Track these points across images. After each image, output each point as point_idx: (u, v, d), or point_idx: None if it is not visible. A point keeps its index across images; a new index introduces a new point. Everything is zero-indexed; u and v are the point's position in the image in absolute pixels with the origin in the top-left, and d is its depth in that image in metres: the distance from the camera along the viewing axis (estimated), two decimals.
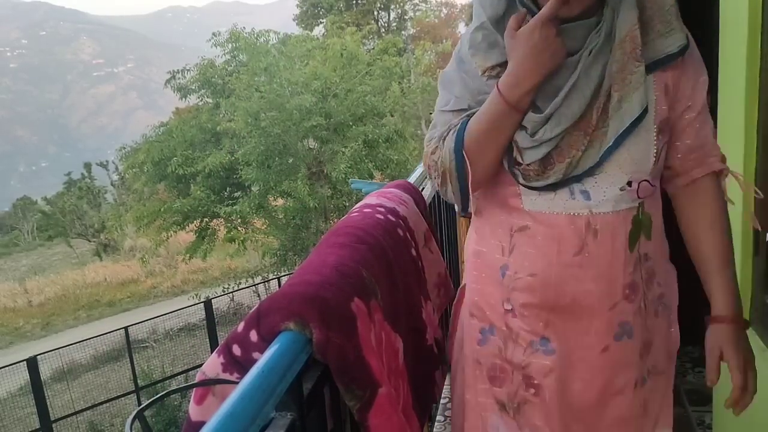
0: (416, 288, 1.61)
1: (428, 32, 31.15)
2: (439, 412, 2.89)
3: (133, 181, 19.51)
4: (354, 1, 30.14)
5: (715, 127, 2.13)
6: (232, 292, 16.30)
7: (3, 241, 35.96)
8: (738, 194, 1.93)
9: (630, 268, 1.30)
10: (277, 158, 14.63)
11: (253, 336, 1.00)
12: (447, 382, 3.17)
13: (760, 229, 1.52)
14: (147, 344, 14.77)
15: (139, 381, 11.92)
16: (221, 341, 1.07)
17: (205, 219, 16.10)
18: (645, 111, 1.22)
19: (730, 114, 2.03)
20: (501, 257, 1.36)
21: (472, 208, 1.42)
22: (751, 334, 1.90)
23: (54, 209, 29.82)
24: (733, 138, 1.99)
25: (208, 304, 13.15)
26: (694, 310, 2.37)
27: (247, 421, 0.77)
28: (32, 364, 10.32)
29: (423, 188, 2.51)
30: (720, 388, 2.23)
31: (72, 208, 27.86)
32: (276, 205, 15.89)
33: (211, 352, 1.04)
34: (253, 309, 1.03)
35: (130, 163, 16.49)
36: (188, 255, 16.98)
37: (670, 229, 1.43)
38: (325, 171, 14.98)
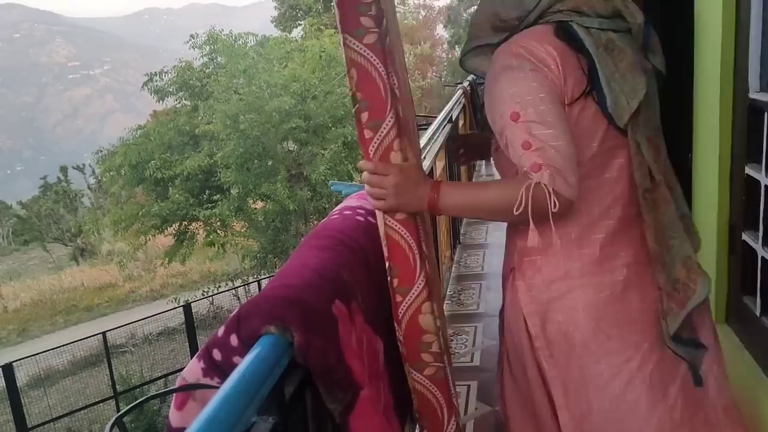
0: None
1: (406, 34, 31.22)
2: None
3: (110, 184, 19.31)
4: (332, 3, 30.09)
5: (691, 124, 2.16)
6: (211, 296, 16.20)
7: None
8: (714, 195, 1.96)
9: None
10: (256, 161, 14.57)
11: (234, 340, 0.99)
12: None
13: None
14: (125, 349, 14.63)
15: (117, 386, 11.80)
16: (201, 346, 1.06)
17: (184, 222, 16.00)
18: None
19: (705, 109, 2.06)
20: None
21: None
22: (728, 332, 1.93)
23: (30, 213, 29.47)
24: (709, 135, 2.01)
25: (187, 308, 13.05)
26: None
27: (228, 425, 0.77)
28: (8, 370, 10.17)
29: None
30: None
31: (48, 212, 27.55)
32: (255, 208, 15.83)
33: (191, 357, 1.03)
34: (233, 313, 1.03)
35: (107, 167, 16.34)
36: (167, 259, 16.87)
37: None
38: (305, 173, 14.95)
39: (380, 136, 1.28)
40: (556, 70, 1.31)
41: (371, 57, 1.25)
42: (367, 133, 1.28)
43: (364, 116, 1.28)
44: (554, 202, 1.22)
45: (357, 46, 1.25)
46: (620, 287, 1.40)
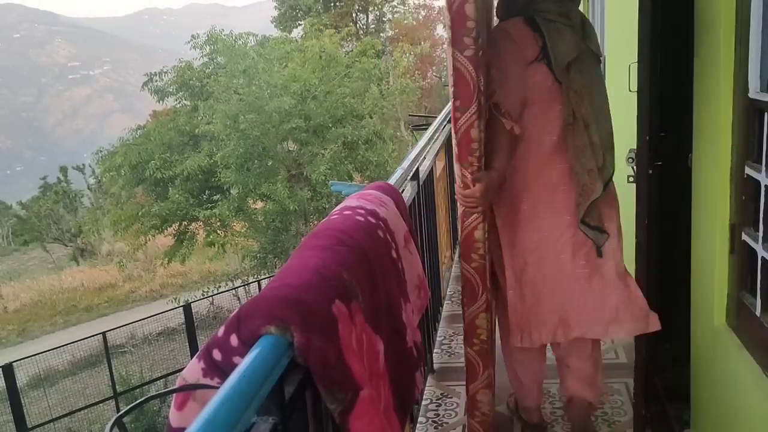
0: (396, 290, 1.61)
1: (406, 34, 31.22)
2: (420, 413, 2.89)
3: (110, 184, 19.31)
4: (332, 4, 30.10)
5: (691, 121, 2.16)
6: (211, 296, 16.18)
7: None
8: (714, 195, 1.95)
9: None
10: (256, 161, 14.56)
11: (234, 340, 0.99)
12: (429, 383, 3.18)
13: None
14: (125, 349, 14.63)
15: (117, 387, 11.80)
16: (201, 346, 1.06)
17: (184, 222, 15.99)
18: None
19: (705, 109, 2.05)
20: None
21: None
22: (728, 332, 1.93)
23: (29, 214, 29.46)
24: (709, 135, 2.01)
25: (187, 308, 13.05)
26: (671, 309, 2.40)
27: (228, 426, 0.77)
28: (8, 371, 10.17)
29: (403, 190, 2.52)
30: (698, 385, 2.26)
31: (48, 212, 27.53)
32: (255, 208, 15.81)
33: (191, 357, 1.03)
34: (233, 313, 1.03)
35: (107, 167, 16.33)
36: (167, 259, 16.86)
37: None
38: (305, 173, 14.94)
39: (466, 117, 1.98)
40: (518, 47, 2.18)
41: (467, 65, 1.92)
42: (457, 115, 1.99)
43: (457, 103, 1.97)
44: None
45: (459, 58, 1.91)
46: (553, 182, 2.25)
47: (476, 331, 2.23)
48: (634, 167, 2.37)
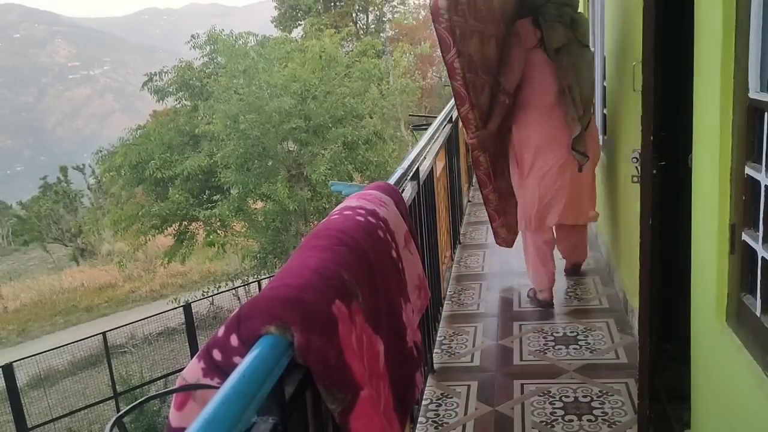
0: (396, 290, 1.61)
1: (406, 34, 31.21)
2: (421, 413, 2.89)
3: (110, 184, 19.29)
4: (332, 4, 30.10)
5: (691, 121, 2.16)
6: (211, 296, 16.17)
7: None
8: (714, 195, 1.95)
9: None
10: (256, 161, 14.56)
11: (234, 340, 0.99)
12: (429, 383, 3.18)
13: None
14: (125, 349, 14.62)
15: (117, 387, 11.79)
16: (201, 346, 1.06)
17: (184, 222, 15.98)
18: None
19: (705, 109, 2.05)
20: None
21: None
22: (728, 332, 1.93)
23: (30, 214, 29.42)
24: (709, 135, 2.01)
25: (187, 308, 13.04)
26: (670, 309, 2.40)
27: (228, 426, 0.77)
28: (8, 371, 10.16)
29: (403, 190, 2.52)
30: (698, 385, 2.26)
31: (48, 212, 27.51)
32: (255, 208, 15.80)
33: (191, 357, 1.03)
34: (233, 313, 1.03)
35: (107, 167, 16.33)
36: (167, 259, 16.85)
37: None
38: (305, 173, 14.93)
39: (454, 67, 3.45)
40: (522, 38, 3.67)
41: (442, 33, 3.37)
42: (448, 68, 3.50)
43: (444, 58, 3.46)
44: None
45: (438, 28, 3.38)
46: (554, 127, 3.72)
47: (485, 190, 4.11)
48: (638, 167, 2.37)
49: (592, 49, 4.40)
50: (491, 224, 4.31)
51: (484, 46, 3.62)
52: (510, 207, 4.19)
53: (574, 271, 4.43)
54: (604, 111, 4.71)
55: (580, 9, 4.30)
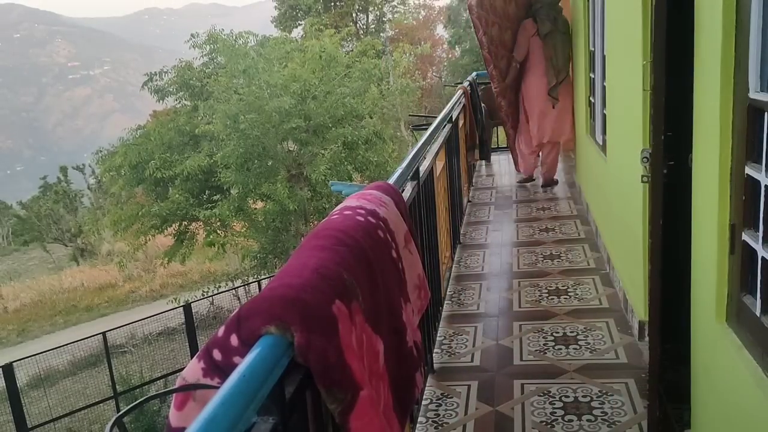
0: (396, 290, 1.61)
1: (406, 34, 31.24)
2: (421, 413, 2.89)
3: (110, 184, 19.28)
4: (332, 3, 30.11)
5: (691, 121, 2.16)
6: (211, 296, 16.18)
7: None
8: (714, 195, 1.95)
9: None
10: (256, 161, 14.55)
11: (234, 340, 0.99)
12: (429, 383, 3.18)
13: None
14: (125, 349, 14.62)
15: (117, 387, 11.80)
16: (201, 346, 1.06)
17: (184, 222, 15.97)
18: None
19: (705, 109, 2.05)
20: None
21: None
22: (728, 332, 1.93)
23: (29, 214, 29.43)
24: (709, 135, 2.01)
25: (187, 308, 13.04)
26: (671, 309, 2.40)
27: (228, 426, 0.77)
28: (8, 371, 10.17)
29: (403, 190, 2.51)
30: (698, 385, 2.26)
31: (48, 212, 27.50)
32: (255, 208, 15.80)
33: (191, 357, 1.03)
34: (233, 313, 1.03)
35: (107, 167, 16.31)
36: (167, 259, 16.85)
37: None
38: (305, 173, 14.93)
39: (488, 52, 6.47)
40: (526, 30, 6.59)
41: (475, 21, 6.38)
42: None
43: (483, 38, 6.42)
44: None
45: (478, 36, 6.52)
46: (543, 83, 6.58)
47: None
48: (648, 167, 2.35)
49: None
50: (511, 154, 7.26)
51: (502, 33, 6.48)
52: (521, 136, 6.93)
53: (547, 183, 6.95)
54: (604, 111, 4.71)
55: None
